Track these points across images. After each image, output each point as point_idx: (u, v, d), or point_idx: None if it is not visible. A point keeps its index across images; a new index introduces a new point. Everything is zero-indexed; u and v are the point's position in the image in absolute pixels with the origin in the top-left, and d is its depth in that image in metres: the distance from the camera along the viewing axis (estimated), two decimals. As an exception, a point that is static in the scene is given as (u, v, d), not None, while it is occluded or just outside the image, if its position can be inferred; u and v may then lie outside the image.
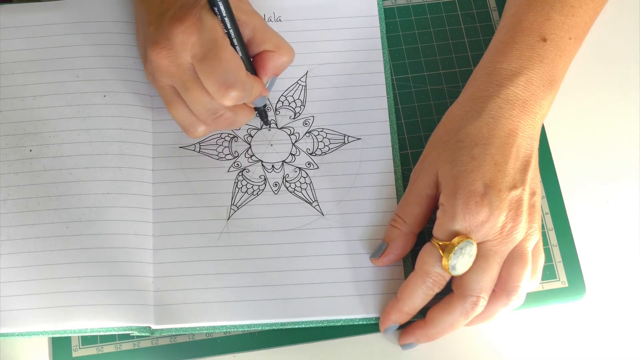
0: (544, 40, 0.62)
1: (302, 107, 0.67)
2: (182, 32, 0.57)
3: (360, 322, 0.62)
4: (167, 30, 0.58)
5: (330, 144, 0.66)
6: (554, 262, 0.64)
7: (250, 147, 0.66)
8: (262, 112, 0.65)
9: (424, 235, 0.63)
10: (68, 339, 0.61)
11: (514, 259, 0.59)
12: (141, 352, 0.61)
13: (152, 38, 0.59)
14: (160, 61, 0.59)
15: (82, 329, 0.60)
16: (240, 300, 0.62)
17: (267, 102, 0.67)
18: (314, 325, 0.62)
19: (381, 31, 0.70)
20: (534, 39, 0.62)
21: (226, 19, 0.58)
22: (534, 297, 0.63)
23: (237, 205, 0.64)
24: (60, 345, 0.61)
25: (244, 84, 0.58)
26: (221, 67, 0.57)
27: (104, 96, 0.66)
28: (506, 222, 0.58)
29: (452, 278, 0.60)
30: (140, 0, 0.63)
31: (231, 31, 0.59)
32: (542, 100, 0.61)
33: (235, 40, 0.59)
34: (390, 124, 0.67)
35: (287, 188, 0.65)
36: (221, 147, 0.66)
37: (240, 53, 0.60)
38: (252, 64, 0.62)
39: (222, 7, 0.57)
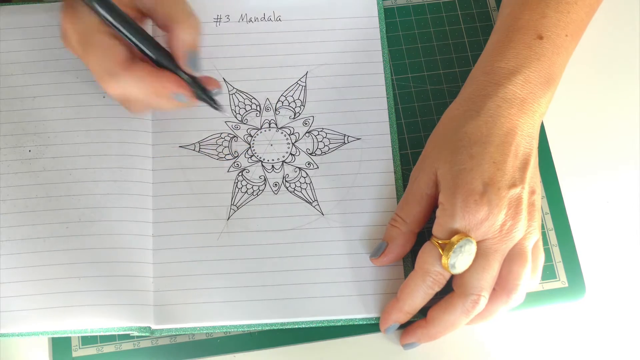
0: (541, 38, 0.61)
1: (302, 107, 0.67)
2: (63, 22, 0.59)
3: (361, 322, 0.62)
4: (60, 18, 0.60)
5: (330, 144, 0.66)
6: (554, 262, 0.64)
7: (250, 147, 0.66)
8: (206, 99, 0.60)
9: (423, 235, 0.63)
10: (68, 339, 0.61)
11: (513, 257, 0.59)
12: (141, 352, 0.61)
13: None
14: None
15: (82, 329, 0.60)
16: (240, 300, 0.62)
17: (268, 101, 0.67)
18: (314, 325, 0.61)
19: (381, 31, 0.70)
20: (530, 37, 0.61)
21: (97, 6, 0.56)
22: (534, 297, 0.62)
23: (237, 205, 0.64)
24: (60, 345, 0.61)
25: (118, 78, 0.58)
26: (95, 59, 0.58)
27: (104, 97, 0.66)
28: (505, 220, 0.58)
29: (453, 277, 0.60)
30: None
31: (108, 17, 0.56)
32: (541, 99, 0.61)
33: (120, 26, 0.57)
34: (390, 124, 0.67)
35: (287, 188, 0.65)
36: (221, 147, 0.66)
37: (133, 38, 0.57)
38: (157, 44, 0.59)
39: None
